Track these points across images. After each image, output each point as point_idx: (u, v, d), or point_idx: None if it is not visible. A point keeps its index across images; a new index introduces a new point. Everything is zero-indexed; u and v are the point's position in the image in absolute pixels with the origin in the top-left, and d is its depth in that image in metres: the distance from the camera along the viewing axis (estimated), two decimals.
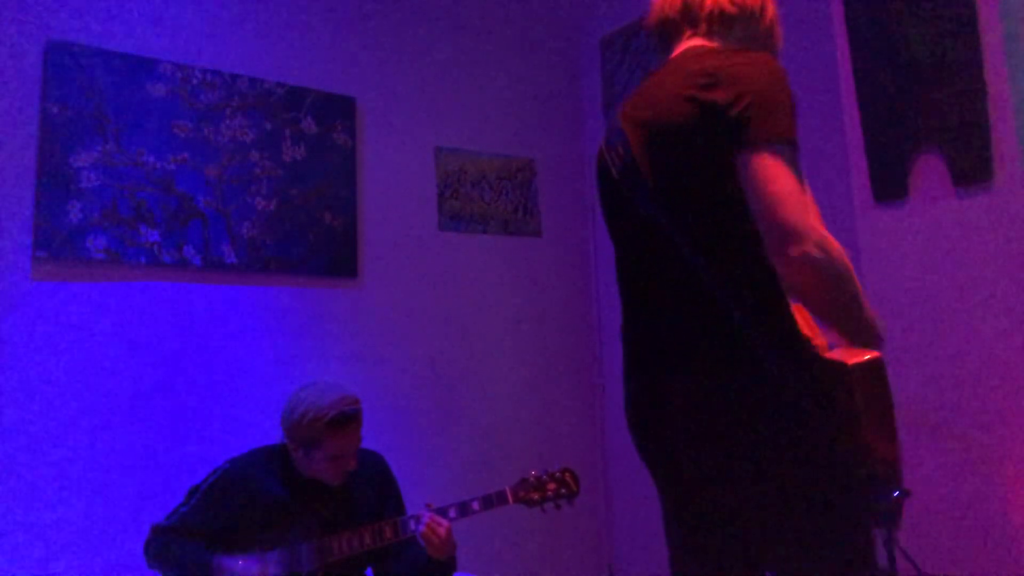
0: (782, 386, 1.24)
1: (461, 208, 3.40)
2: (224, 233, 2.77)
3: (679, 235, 1.34)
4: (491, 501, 2.10)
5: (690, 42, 1.45)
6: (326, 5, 3.16)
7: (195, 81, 2.78)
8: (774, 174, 1.20)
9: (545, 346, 3.54)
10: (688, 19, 1.45)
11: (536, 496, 2.14)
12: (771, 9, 1.49)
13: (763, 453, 1.26)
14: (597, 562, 3.53)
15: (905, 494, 1.24)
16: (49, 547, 2.36)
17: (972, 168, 2.23)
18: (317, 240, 2.97)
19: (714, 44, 1.43)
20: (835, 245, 1.20)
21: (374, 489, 2.17)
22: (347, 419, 2.02)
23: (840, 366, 1.24)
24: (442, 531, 2.01)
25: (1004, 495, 2.14)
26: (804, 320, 1.34)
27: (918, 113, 2.35)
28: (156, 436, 2.58)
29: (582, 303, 3.69)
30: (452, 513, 2.07)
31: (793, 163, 1.21)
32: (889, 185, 2.42)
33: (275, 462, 2.11)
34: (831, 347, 1.33)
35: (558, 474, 2.18)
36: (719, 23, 1.44)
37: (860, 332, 1.30)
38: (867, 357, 1.23)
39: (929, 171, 2.34)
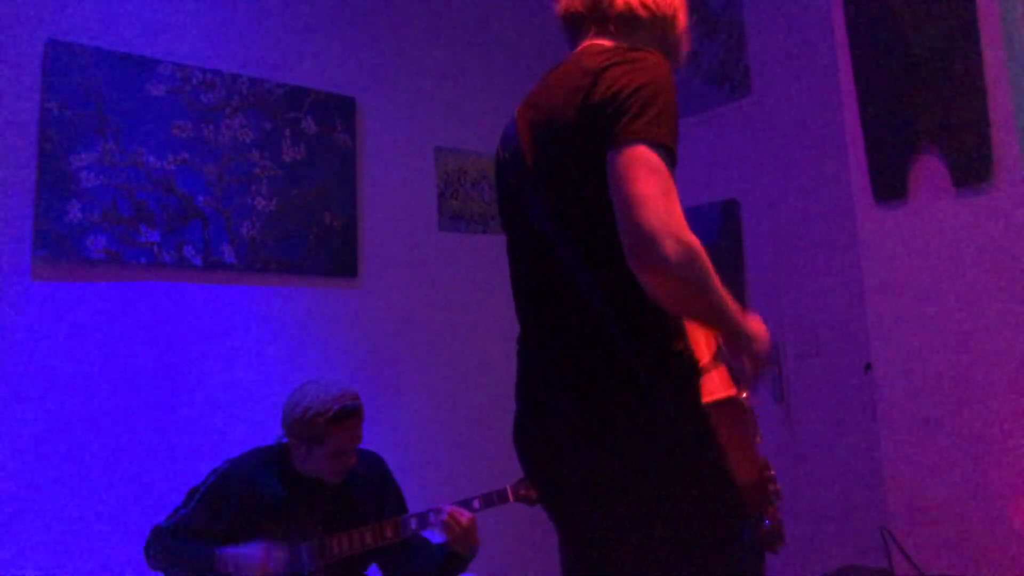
0: (660, 415, 1.17)
1: (461, 208, 3.40)
2: (224, 233, 2.77)
3: (563, 245, 1.26)
4: (492, 499, 2.11)
5: (592, 40, 1.38)
6: (326, 5, 3.16)
7: (195, 81, 2.78)
8: (635, 174, 1.10)
9: None
10: (595, 16, 1.38)
11: (536, 494, 2.15)
12: (682, 20, 1.43)
13: (637, 482, 1.18)
14: None
15: (776, 524, 1.21)
16: (49, 547, 2.36)
17: (972, 168, 2.24)
18: (317, 240, 2.97)
19: (613, 44, 1.33)
20: (696, 247, 1.10)
21: (373, 489, 2.18)
22: (349, 414, 2.03)
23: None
24: (464, 520, 2.02)
25: (1004, 495, 2.14)
26: (702, 335, 1.28)
27: (918, 113, 2.35)
28: (156, 436, 2.58)
29: None
30: (476, 504, 2.08)
31: (661, 167, 1.11)
32: (889, 185, 2.43)
33: (274, 462, 2.12)
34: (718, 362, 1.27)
35: None
36: (626, 25, 1.37)
37: (732, 333, 1.21)
38: (720, 396, 1.17)
39: (929, 171, 2.34)
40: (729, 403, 1.21)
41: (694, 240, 1.10)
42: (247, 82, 2.89)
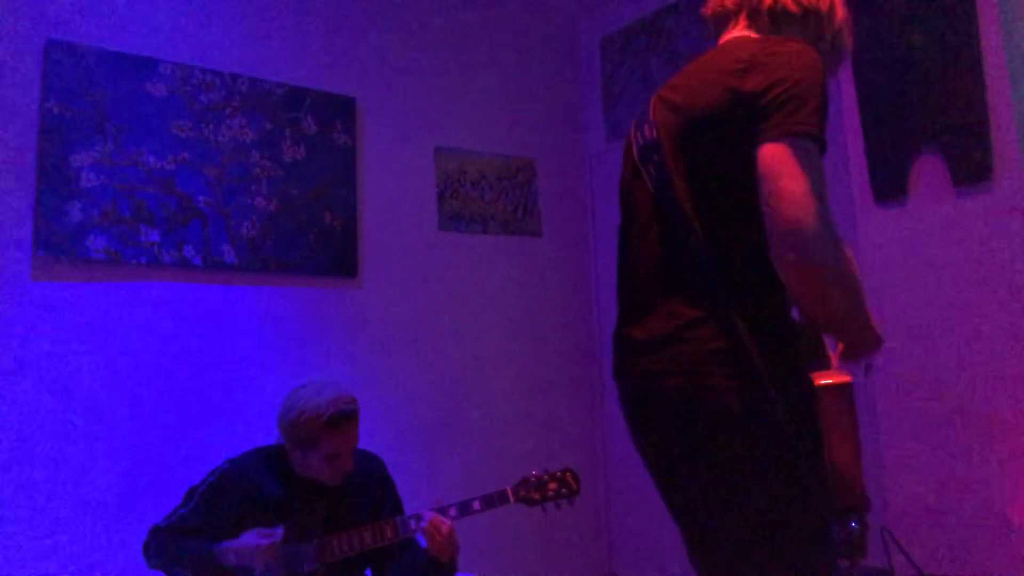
0: (770, 397, 1.19)
1: (461, 208, 3.40)
2: (224, 233, 2.77)
3: (686, 225, 1.28)
4: (492, 501, 2.10)
5: (741, 31, 1.41)
6: (326, 5, 3.16)
7: (195, 81, 2.78)
8: (787, 169, 1.13)
9: (545, 346, 3.54)
10: (747, 11, 1.41)
11: (537, 496, 2.14)
12: (840, 12, 1.43)
13: (738, 464, 1.22)
14: (597, 562, 3.53)
15: (863, 526, 1.22)
16: (49, 547, 2.36)
17: (972, 168, 2.24)
18: (317, 240, 2.96)
19: (761, 36, 1.37)
20: (843, 252, 1.14)
21: (372, 490, 2.17)
22: (344, 418, 2.02)
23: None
24: (444, 529, 2.01)
25: (1004, 495, 2.14)
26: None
27: (918, 113, 2.35)
28: (156, 436, 2.58)
29: (582, 303, 3.69)
30: (453, 512, 2.06)
31: (813, 160, 1.14)
32: (889, 185, 2.43)
33: (273, 462, 2.11)
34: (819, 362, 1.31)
35: (559, 474, 2.18)
36: (777, 20, 1.38)
37: (857, 342, 1.27)
38: (833, 380, 1.19)
39: (929, 171, 2.34)
40: (842, 390, 1.23)
41: (842, 243, 1.13)
42: (247, 82, 2.89)
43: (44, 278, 2.47)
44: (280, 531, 1.94)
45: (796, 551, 1.20)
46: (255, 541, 1.91)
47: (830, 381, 1.19)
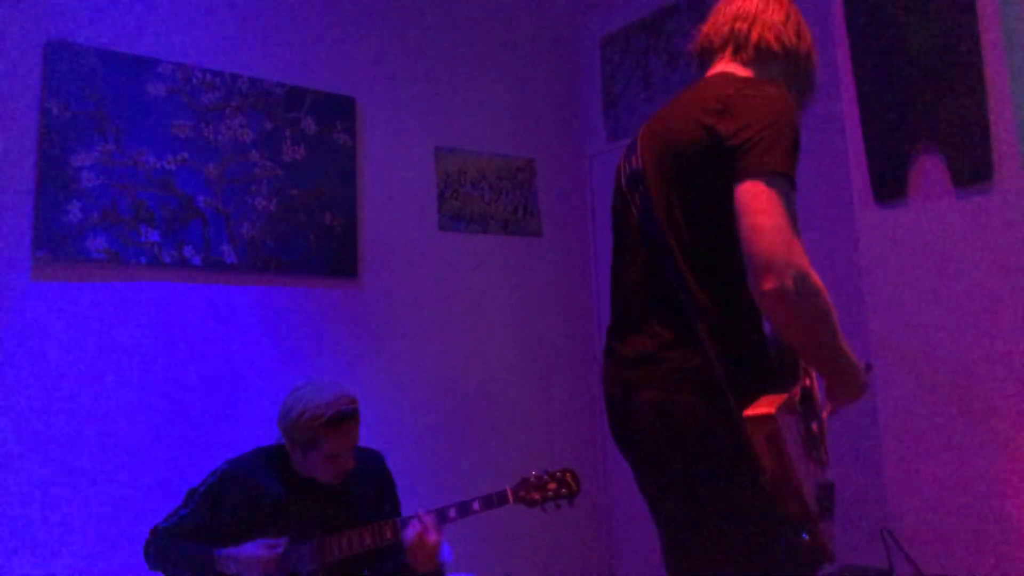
0: (732, 416, 1.26)
1: (461, 208, 3.40)
2: (224, 233, 2.77)
3: (667, 252, 1.37)
4: (491, 501, 2.10)
5: (726, 66, 1.49)
6: (326, 5, 3.16)
7: (195, 81, 2.78)
8: (761, 205, 1.20)
9: (545, 346, 3.54)
10: (733, 45, 1.50)
11: (537, 496, 2.14)
12: (814, 56, 1.53)
13: (700, 473, 1.32)
14: (597, 562, 3.53)
15: (813, 537, 1.25)
16: (49, 547, 2.36)
17: (972, 168, 2.23)
18: (317, 240, 2.96)
19: (746, 72, 1.46)
20: (816, 283, 1.21)
21: (372, 487, 2.17)
22: (345, 418, 2.02)
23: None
24: (430, 539, 1.98)
25: (1004, 495, 2.14)
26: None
27: (918, 113, 2.35)
28: (156, 436, 2.58)
29: (582, 303, 3.69)
30: (452, 513, 2.06)
31: (785, 197, 1.22)
32: (889, 185, 2.42)
33: (273, 462, 2.11)
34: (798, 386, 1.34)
35: (558, 474, 2.18)
36: (760, 55, 1.48)
37: (835, 374, 1.34)
38: (761, 412, 1.21)
39: (929, 171, 2.34)
40: (764, 421, 1.24)
41: (814, 276, 1.20)
42: (247, 82, 2.89)
43: (44, 278, 2.47)
44: (283, 543, 1.94)
45: (752, 554, 1.30)
46: (257, 552, 1.91)
47: (755, 413, 1.22)
